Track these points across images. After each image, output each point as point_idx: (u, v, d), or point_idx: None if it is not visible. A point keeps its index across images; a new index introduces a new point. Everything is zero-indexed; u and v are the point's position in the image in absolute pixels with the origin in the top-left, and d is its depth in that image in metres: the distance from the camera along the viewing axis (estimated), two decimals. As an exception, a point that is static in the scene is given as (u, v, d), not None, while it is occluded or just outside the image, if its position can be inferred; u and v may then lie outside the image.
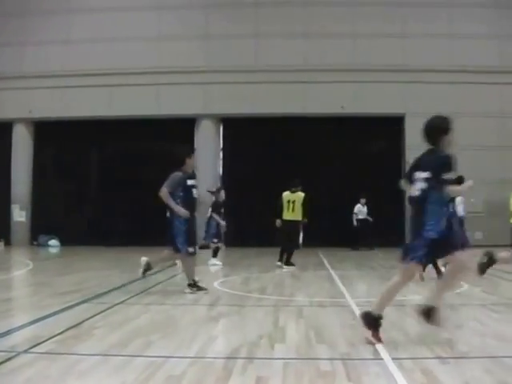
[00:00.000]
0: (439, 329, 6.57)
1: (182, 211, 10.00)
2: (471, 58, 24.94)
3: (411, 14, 25.22)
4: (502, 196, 23.36)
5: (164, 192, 10.09)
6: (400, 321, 7.74)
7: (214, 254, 16.57)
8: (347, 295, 9.90)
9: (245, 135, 25.66)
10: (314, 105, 24.66)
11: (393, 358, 5.57)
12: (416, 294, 10.40)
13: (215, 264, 16.23)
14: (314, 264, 16.58)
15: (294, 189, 15.86)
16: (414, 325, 7.43)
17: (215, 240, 16.74)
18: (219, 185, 20.94)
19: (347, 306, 8.81)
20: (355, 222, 23.73)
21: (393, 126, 25.67)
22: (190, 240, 10.27)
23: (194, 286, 10.29)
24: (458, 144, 21.69)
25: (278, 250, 15.56)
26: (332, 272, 14.11)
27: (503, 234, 22.30)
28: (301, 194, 15.83)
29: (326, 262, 16.66)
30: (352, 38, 24.92)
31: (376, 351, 5.91)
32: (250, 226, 24.18)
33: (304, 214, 15.71)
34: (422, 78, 24.68)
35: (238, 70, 25.04)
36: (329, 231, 24.25)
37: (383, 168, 24.68)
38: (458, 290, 10.55)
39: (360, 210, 23.61)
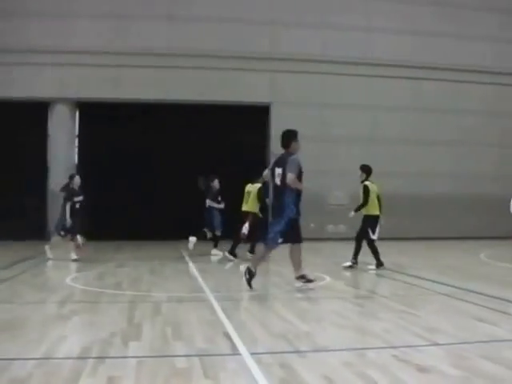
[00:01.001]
0: (299, 322, 6.47)
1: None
2: (337, 48, 25.30)
3: (280, 0, 25.32)
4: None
5: (293, 178, 9.71)
6: (260, 315, 7.61)
7: (216, 244, 16.93)
8: (207, 289, 9.65)
9: (103, 122, 24.46)
10: (177, 91, 24.10)
11: (251, 353, 5.41)
12: (277, 287, 10.36)
13: (217, 254, 16.48)
14: (173, 258, 16.20)
15: (255, 180, 15.99)
16: (274, 319, 7.33)
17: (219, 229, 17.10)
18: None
19: (206, 301, 8.57)
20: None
21: (259, 114, 25.63)
22: None
23: (303, 278, 9.89)
24: (322, 136, 21.93)
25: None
26: (192, 266, 13.83)
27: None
28: (257, 186, 15.80)
29: (186, 255, 16.33)
30: (217, 23, 24.45)
31: (234, 346, 5.75)
32: (107, 218, 23.23)
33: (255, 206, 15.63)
34: (289, 67, 24.72)
35: (96, 51, 23.81)
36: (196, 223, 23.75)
37: (249, 157, 24.70)
38: (320, 283, 10.58)
39: None
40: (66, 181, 15.60)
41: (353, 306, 8.41)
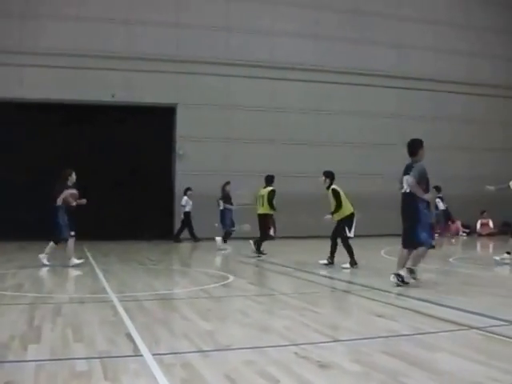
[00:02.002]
0: (201, 322, 6.46)
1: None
2: (241, 51, 25.52)
3: (185, 3, 25.24)
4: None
5: (413, 182, 9.91)
6: (163, 315, 7.56)
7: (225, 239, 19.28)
8: (109, 290, 9.51)
9: (7, 122, 23.92)
10: (86, 92, 23.66)
11: (153, 354, 5.37)
12: (181, 287, 10.32)
13: (224, 248, 18.72)
14: (76, 258, 15.84)
15: (266, 184, 16.86)
16: (177, 319, 7.31)
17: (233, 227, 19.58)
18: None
19: (109, 302, 8.44)
20: (182, 215, 23.07)
21: (165, 115, 25.50)
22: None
23: (412, 272, 10.09)
24: (227, 137, 22.12)
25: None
26: (95, 267, 13.59)
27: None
28: (267, 189, 16.69)
29: (90, 256, 16.06)
30: (124, 25, 24.25)
31: (136, 347, 5.68)
32: (10, 217, 22.58)
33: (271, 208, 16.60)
34: (194, 69, 24.73)
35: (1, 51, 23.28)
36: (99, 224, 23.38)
37: (155, 157, 24.58)
38: (223, 282, 10.62)
39: (187, 202, 22.98)
40: None
41: (255, 305, 8.46)
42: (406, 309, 7.87)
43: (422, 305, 8.14)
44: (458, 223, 27.85)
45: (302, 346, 5.72)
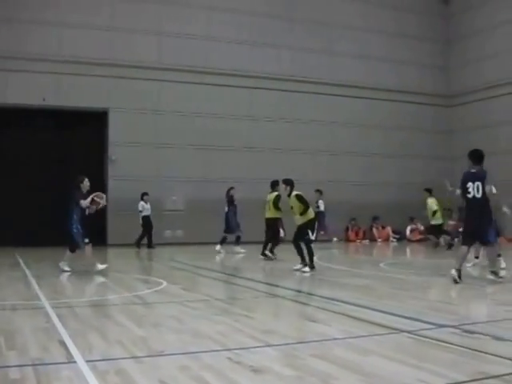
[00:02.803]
0: (134, 328, 6.44)
1: None
2: (175, 56, 25.54)
3: (120, 7, 25.07)
4: (204, 194, 24.37)
5: (492, 190, 11.07)
6: (96, 322, 7.50)
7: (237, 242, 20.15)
8: (42, 297, 9.37)
9: None
10: (16, 95, 23.20)
11: (86, 361, 5.33)
12: (115, 293, 10.26)
13: (240, 252, 19.61)
14: (8, 265, 15.59)
15: (271, 190, 17.62)
16: (110, 325, 7.27)
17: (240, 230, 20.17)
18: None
19: (41, 309, 8.33)
20: (140, 221, 22.79)
21: (97, 120, 25.24)
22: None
23: (496, 274, 11.36)
24: (159, 143, 22.08)
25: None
26: (28, 273, 13.37)
27: (202, 232, 23.32)
28: (273, 194, 17.41)
29: (21, 262, 15.78)
30: (56, 27, 23.76)
31: (69, 354, 5.63)
32: None
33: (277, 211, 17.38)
34: (127, 73, 24.56)
35: None
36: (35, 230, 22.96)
37: (87, 163, 24.32)
38: (157, 288, 10.59)
39: (143, 207, 22.67)
40: None
41: (189, 310, 8.46)
42: (338, 313, 8.00)
43: (354, 309, 8.29)
44: (389, 229, 28.36)
45: (236, 351, 5.77)
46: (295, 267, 13.53)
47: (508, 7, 28.73)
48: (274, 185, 17.49)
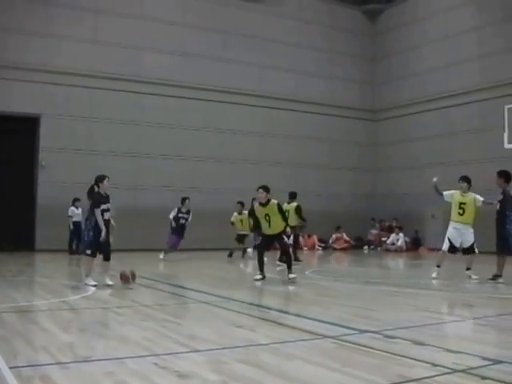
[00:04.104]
0: (60, 333, 6.39)
1: None
2: (108, 64, 25.48)
3: (55, 13, 24.84)
4: (134, 202, 24.29)
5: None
6: (21, 327, 7.40)
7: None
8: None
9: None
10: None
11: (10, 367, 5.24)
12: (42, 299, 10.13)
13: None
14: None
15: (289, 200, 18.56)
16: (36, 331, 7.19)
17: None
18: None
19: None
20: (71, 226, 22.41)
21: (29, 126, 24.88)
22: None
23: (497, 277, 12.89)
24: (90, 149, 21.88)
25: None
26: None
27: (132, 238, 23.19)
28: (292, 205, 18.37)
29: None
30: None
31: (-7, 361, 5.53)
32: None
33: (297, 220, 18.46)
34: (59, 79, 24.35)
35: None
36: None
37: (17, 168, 23.97)
38: (84, 294, 10.51)
39: (73, 212, 22.26)
40: None
41: (116, 316, 8.44)
42: (264, 319, 8.11)
43: (280, 315, 8.43)
44: (315, 237, 28.75)
45: (162, 356, 5.79)
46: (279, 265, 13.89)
47: (428, 30, 29.91)
48: (292, 196, 18.60)
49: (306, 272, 15.67)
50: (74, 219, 22.37)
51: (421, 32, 30.48)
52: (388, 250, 28.11)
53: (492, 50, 26.64)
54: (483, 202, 13.65)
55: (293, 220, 17.77)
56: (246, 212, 19.22)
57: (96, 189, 12.18)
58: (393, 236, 28.82)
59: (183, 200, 20.15)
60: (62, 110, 24.61)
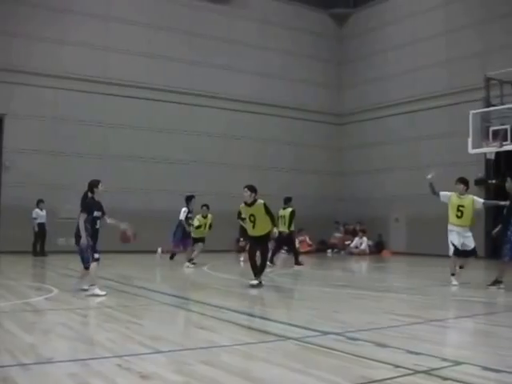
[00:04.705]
0: (23, 335, 6.35)
1: None
2: (73, 65, 25.32)
3: (21, 11, 24.65)
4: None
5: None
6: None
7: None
8: None
9: None
10: None
11: (-28, 369, 5.22)
12: (5, 300, 10.04)
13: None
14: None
15: (284, 205, 18.86)
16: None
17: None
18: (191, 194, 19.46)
19: None
20: (36, 228, 22.20)
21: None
22: None
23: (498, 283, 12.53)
24: (56, 150, 21.71)
25: None
26: None
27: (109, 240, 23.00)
28: (288, 210, 18.67)
29: None
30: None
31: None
32: None
33: (289, 226, 18.67)
34: (25, 79, 24.16)
35: None
36: None
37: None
38: (48, 295, 10.45)
39: (37, 214, 22.05)
40: None
41: (79, 318, 8.41)
42: (227, 321, 8.13)
43: (243, 317, 8.47)
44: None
45: (125, 357, 5.79)
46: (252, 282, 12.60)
47: (395, 34, 30.24)
48: (287, 201, 18.75)
49: (270, 275, 15.72)
50: (39, 221, 22.27)
51: (388, 36, 30.77)
52: (351, 254, 28.28)
53: (459, 55, 26.92)
54: (484, 203, 13.40)
55: (290, 226, 18.49)
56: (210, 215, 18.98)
57: (90, 195, 11.32)
58: (356, 239, 29.03)
59: (190, 198, 18.98)
60: (26, 110, 24.40)
